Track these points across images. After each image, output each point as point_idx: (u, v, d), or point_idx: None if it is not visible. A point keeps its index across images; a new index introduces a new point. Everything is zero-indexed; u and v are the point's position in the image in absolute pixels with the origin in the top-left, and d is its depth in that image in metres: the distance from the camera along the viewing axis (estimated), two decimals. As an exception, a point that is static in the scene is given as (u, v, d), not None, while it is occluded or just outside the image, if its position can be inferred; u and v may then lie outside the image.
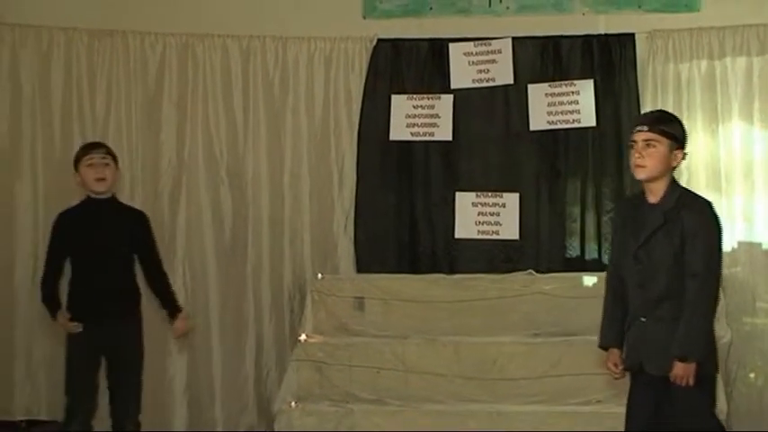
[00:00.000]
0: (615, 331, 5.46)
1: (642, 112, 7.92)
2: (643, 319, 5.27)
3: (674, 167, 5.27)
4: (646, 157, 5.19)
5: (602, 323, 5.59)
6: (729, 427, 7.10)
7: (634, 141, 5.26)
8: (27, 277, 8.23)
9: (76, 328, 6.22)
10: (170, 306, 6.61)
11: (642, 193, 5.35)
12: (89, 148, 6.56)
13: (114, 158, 6.54)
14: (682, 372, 5.07)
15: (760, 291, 7.82)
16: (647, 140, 5.20)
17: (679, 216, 5.17)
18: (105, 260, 6.36)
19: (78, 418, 6.28)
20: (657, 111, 5.59)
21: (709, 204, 5.29)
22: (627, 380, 6.94)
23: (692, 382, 5.08)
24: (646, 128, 5.24)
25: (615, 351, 5.47)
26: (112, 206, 6.55)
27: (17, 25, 8.36)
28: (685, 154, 5.30)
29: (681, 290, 5.13)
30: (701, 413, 5.26)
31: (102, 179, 6.39)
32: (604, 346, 5.55)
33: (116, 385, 6.38)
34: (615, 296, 5.49)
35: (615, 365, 5.46)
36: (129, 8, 8.50)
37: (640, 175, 5.26)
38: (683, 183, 7.75)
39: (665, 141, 5.20)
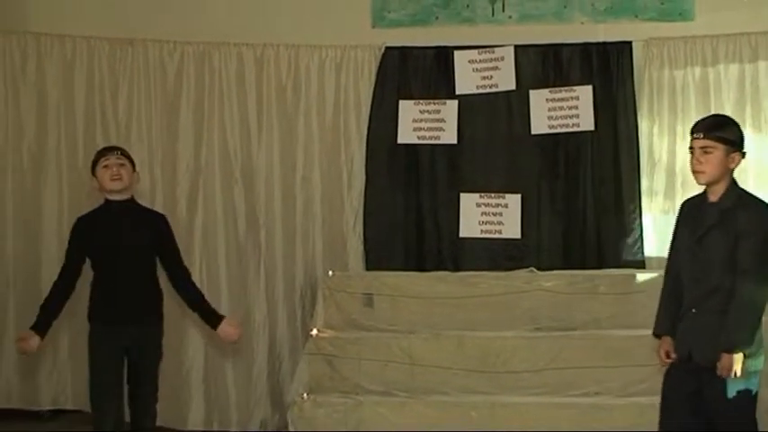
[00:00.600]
0: (669, 321, 5.49)
1: (638, 116, 8.05)
2: (694, 311, 5.31)
3: (733, 169, 5.28)
4: (704, 163, 5.24)
5: (658, 313, 5.64)
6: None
7: (692, 148, 5.32)
8: (52, 275, 8.06)
9: (22, 350, 6.07)
10: (210, 317, 6.32)
11: (704, 193, 5.41)
12: (104, 150, 6.34)
13: (131, 160, 6.30)
14: (727, 363, 5.10)
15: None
16: (703, 147, 5.24)
17: (735, 215, 5.23)
18: (126, 262, 6.10)
19: (109, 418, 6.05)
20: (712, 116, 5.58)
21: (765, 205, 5.33)
22: (628, 373, 7.14)
23: (738, 373, 5.10)
24: (701, 135, 5.28)
25: (668, 339, 5.49)
26: (131, 208, 6.27)
27: (42, 34, 8.43)
28: (744, 153, 5.31)
29: (732, 285, 5.18)
30: (742, 409, 5.29)
31: (118, 177, 6.12)
32: (658, 333, 5.59)
33: (136, 384, 6.20)
34: (671, 288, 5.54)
35: (666, 353, 5.47)
36: (149, 18, 8.55)
37: (700, 180, 5.32)
38: (678, 186, 7.96)
39: (721, 147, 5.22)
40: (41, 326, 6.06)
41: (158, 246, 6.27)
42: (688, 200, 5.69)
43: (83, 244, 6.17)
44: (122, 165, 6.16)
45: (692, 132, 5.37)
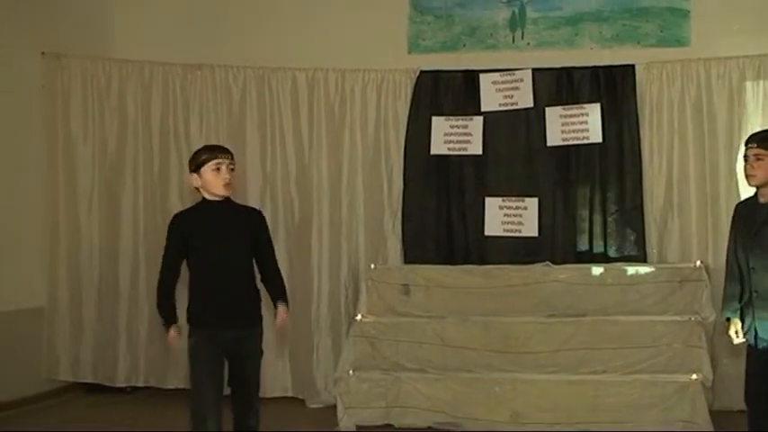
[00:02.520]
0: (733, 306, 5.59)
1: (640, 130, 8.01)
2: (755, 294, 5.43)
3: None
4: (756, 168, 5.37)
5: (723, 300, 5.73)
6: (715, 393, 7.22)
7: (746, 156, 5.44)
8: (128, 267, 8.47)
9: (175, 348, 5.33)
10: (277, 293, 5.50)
11: (755, 195, 5.50)
12: (216, 150, 5.43)
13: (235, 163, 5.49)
14: None
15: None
16: (756, 155, 5.37)
17: None
18: (227, 262, 5.27)
19: (210, 422, 5.17)
20: (764, 130, 5.65)
21: None
22: (631, 353, 7.14)
23: None
24: (755, 144, 5.41)
25: (736, 321, 5.59)
26: (229, 206, 5.40)
27: (124, 60, 8.57)
28: None
29: None
30: None
31: (229, 185, 5.34)
32: (726, 317, 5.68)
33: (239, 385, 5.36)
34: (732, 278, 5.63)
35: (736, 333, 5.57)
36: (216, 46, 8.64)
37: (751, 182, 5.46)
38: (675, 192, 7.93)
39: None
40: (172, 318, 5.28)
41: (256, 241, 5.45)
42: (741, 202, 5.78)
43: (182, 241, 5.30)
44: (233, 170, 5.40)
45: (747, 143, 5.50)
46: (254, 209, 5.78)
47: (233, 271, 5.30)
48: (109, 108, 8.49)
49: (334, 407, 7.42)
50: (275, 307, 5.51)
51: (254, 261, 5.48)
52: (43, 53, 8.32)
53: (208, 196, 5.36)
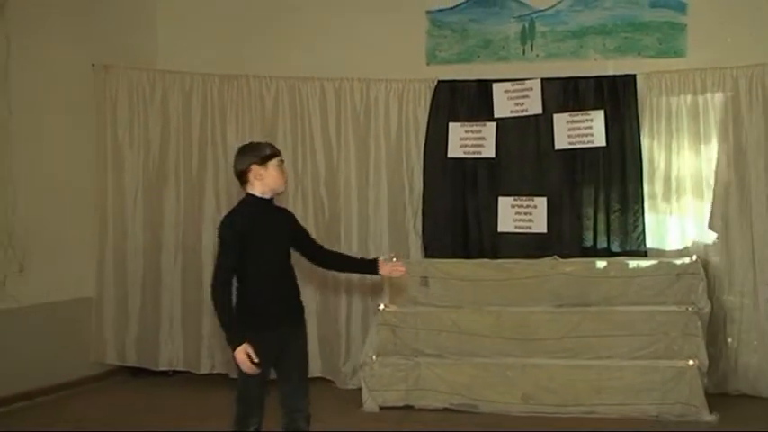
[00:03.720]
0: None
1: (641, 135, 7.97)
2: None
3: None
4: None
5: None
6: (710, 378, 7.25)
7: None
8: (169, 260, 8.52)
9: (254, 370, 4.64)
10: (367, 266, 5.22)
11: None
12: (274, 149, 5.00)
13: None
14: None
15: (733, 273, 7.72)
16: None
17: None
18: (279, 260, 4.89)
19: (256, 424, 4.82)
20: None
21: None
22: (633, 341, 7.16)
23: None
24: None
25: None
26: (274, 207, 4.99)
27: (166, 71, 8.63)
28: None
29: None
30: None
31: (286, 183, 5.01)
32: None
33: (287, 384, 4.93)
34: None
35: None
36: (251, 58, 8.66)
37: None
38: (673, 192, 7.92)
39: None
40: (242, 334, 4.67)
41: (296, 237, 5.04)
42: None
43: (239, 241, 4.77)
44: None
45: None
46: (286, 209, 5.32)
47: (284, 269, 4.92)
48: (153, 115, 8.54)
49: (359, 389, 7.46)
50: (375, 266, 5.12)
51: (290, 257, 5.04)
52: (93, 65, 8.39)
53: (259, 193, 4.87)
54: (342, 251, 5.63)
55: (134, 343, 8.52)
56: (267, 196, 4.91)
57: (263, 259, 4.82)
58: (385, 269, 5.11)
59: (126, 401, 7.86)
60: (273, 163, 4.89)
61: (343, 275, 8.20)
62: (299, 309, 5.01)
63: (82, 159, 8.32)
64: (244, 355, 4.63)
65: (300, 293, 5.03)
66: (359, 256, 5.62)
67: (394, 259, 5.40)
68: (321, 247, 5.18)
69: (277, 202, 5.02)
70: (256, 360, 4.62)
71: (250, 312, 4.79)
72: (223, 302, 4.71)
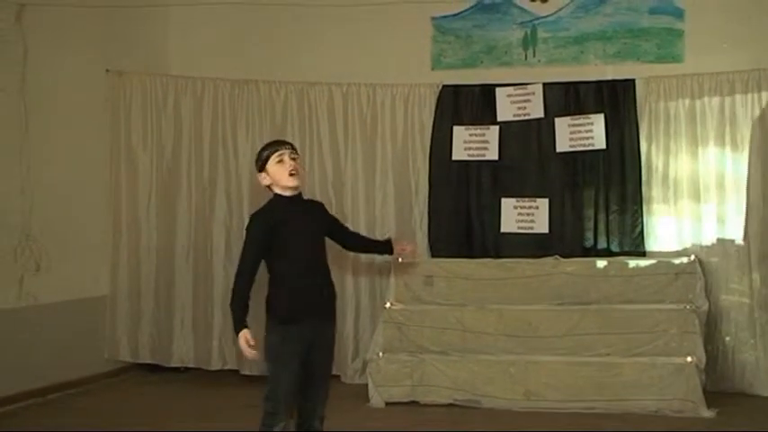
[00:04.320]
0: None
1: (640, 138, 7.95)
2: None
3: None
4: None
5: None
6: (708, 375, 7.22)
7: None
8: (182, 260, 8.50)
9: (254, 356, 4.70)
10: (384, 246, 5.89)
11: None
12: (275, 144, 4.94)
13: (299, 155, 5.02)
14: None
15: (730, 273, 7.70)
16: None
17: None
18: (309, 255, 4.83)
19: (283, 422, 4.73)
20: None
21: None
22: (632, 338, 7.14)
23: None
24: None
25: None
26: (302, 201, 4.96)
27: (179, 77, 8.62)
28: None
29: None
30: None
31: (295, 172, 4.83)
32: None
33: (309, 384, 4.83)
34: None
35: None
36: (261, 63, 8.65)
37: None
38: (671, 193, 7.89)
39: None
40: (245, 324, 4.70)
41: (329, 228, 5.12)
42: None
43: (264, 239, 4.78)
44: (295, 159, 4.90)
45: None
46: (316, 201, 5.41)
47: (315, 264, 4.87)
48: (165, 119, 8.53)
49: (366, 385, 7.46)
50: (390, 247, 5.91)
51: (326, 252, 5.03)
52: (107, 70, 8.40)
53: (279, 191, 4.87)
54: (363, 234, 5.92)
55: (147, 340, 8.52)
56: (287, 193, 4.86)
57: (288, 254, 4.77)
58: (397, 249, 5.83)
59: (138, 398, 7.87)
60: (271, 162, 4.83)
61: (350, 273, 8.29)
62: (330, 303, 4.94)
63: (96, 162, 8.33)
64: (243, 341, 4.63)
65: (335, 292, 4.99)
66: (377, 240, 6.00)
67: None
68: (352, 232, 5.56)
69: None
70: (252, 344, 4.63)
71: (276, 305, 4.79)
72: (235, 291, 4.75)
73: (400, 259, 7.52)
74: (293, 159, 4.85)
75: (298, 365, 4.72)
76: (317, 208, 5.11)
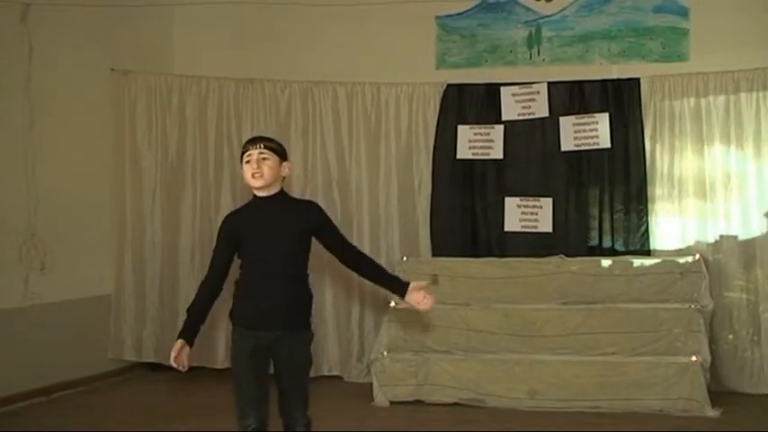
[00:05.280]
0: None
1: (644, 137, 7.96)
2: None
3: None
4: None
5: None
6: (712, 374, 7.22)
7: None
8: (187, 260, 8.52)
9: (180, 367, 4.42)
10: (397, 286, 4.61)
11: None
12: (247, 143, 4.59)
13: (278, 152, 4.52)
14: None
15: (735, 272, 7.72)
16: None
17: None
18: (272, 259, 4.44)
19: (250, 420, 4.45)
20: None
21: None
22: (637, 337, 7.14)
23: None
24: None
25: None
26: (280, 201, 4.55)
27: (183, 76, 8.63)
28: None
29: None
30: None
31: (259, 174, 4.44)
32: None
33: (279, 389, 4.54)
34: None
35: None
36: (265, 62, 8.65)
37: None
38: (676, 192, 7.89)
39: None
40: (188, 334, 4.46)
41: (315, 233, 4.55)
42: None
43: (230, 241, 4.52)
44: (265, 159, 4.46)
45: None
46: (309, 201, 4.90)
47: (279, 268, 4.46)
48: (170, 118, 8.55)
49: (371, 384, 7.45)
50: (404, 289, 4.55)
51: (309, 257, 4.59)
52: (112, 70, 8.41)
53: (255, 192, 4.55)
54: (377, 261, 4.79)
55: (151, 340, 8.53)
56: (261, 194, 4.52)
57: (250, 256, 4.49)
58: (412, 298, 4.52)
59: (144, 396, 7.89)
60: (244, 161, 4.53)
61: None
62: (296, 313, 4.53)
63: (101, 161, 8.34)
64: (176, 349, 4.41)
65: (306, 298, 4.57)
66: (391, 272, 4.88)
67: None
68: (352, 247, 4.71)
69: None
70: (178, 363, 4.39)
71: (234, 306, 4.57)
72: (194, 299, 4.56)
73: (393, 303, 7.41)
74: (263, 159, 4.47)
75: (253, 372, 4.46)
76: (303, 209, 4.63)
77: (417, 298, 4.52)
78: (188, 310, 4.54)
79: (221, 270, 4.53)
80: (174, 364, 4.43)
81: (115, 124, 8.45)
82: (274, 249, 4.46)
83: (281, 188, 4.57)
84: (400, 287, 4.58)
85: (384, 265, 4.98)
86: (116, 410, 7.33)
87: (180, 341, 4.43)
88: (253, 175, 4.46)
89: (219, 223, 4.66)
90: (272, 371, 4.57)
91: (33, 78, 7.44)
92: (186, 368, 4.45)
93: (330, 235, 4.61)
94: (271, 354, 4.50)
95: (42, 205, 7.49)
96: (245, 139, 8.21)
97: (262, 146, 4.51)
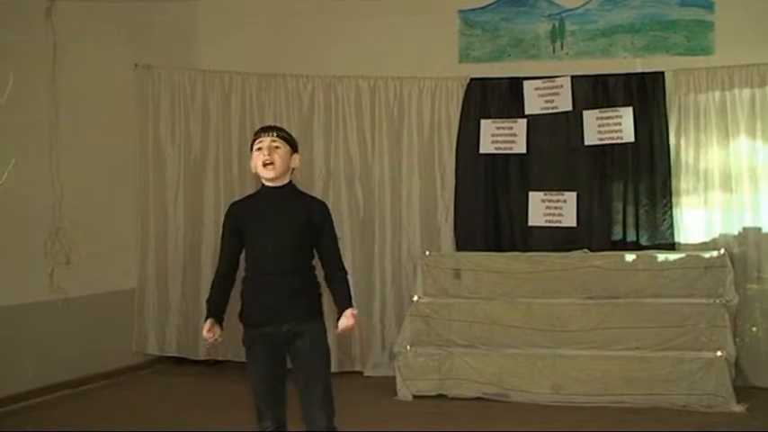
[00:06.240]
0: None
1: (669, 131, 7.93)
2: None
3: None
4: None
5: None
6: (737, 369, 7.20)
7: None
8: (209, 253, 8.46)
9: (209, 342, 4.43)
10: (340, 304, 4.45)
11: None
12: (259, 131, 4.50)
13: (289, 142, 4.46)
14: None
15: (761, 264, 7.68)
16: None
17: None
18: (276, 251, 4.34)
19: (266, 422, 4.40)
20: None
21: None
22: (661, 332, 7.11)
23: None
24: None
25: None
26: (287, 193, 4.45)
27: (207, 71, 8.68)
28: None
29: None
30: None
31: (269, 162, 4.35)
32: None
33: (298, 388, 4.42)
34: None
35: None
36: (287, 57, 8.68)
37: None
38: (701, 186, 7.87)
39: None
40: (213, 316, 4.44)
41: (312, 232, 4.44)
42: None
43: (235, 230, 4.44)
44: (276, 147, 4.39)
45: None
46: (316, 199, 4.69)
47: (279, 261, 4.36)
48: (193, 113, 8.58)
49: (393, 378, 7.44)
50: (338, 314, 4.46)
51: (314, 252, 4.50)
52: (136, 65, 8.46)
53: (264, 181, 4.45)
54: (339, 288, 4.51)
55: (174, 334, 8.56)
56: (270, 184, 4.43)
57: (256, 250, 4.40)
58: (341, 321, 4.43)
59: (169, 389, 7.92)
60: (254, 149, 4.45)
61: (377, 267, 8.35)
62: (301, 304, 4.40)
63: (125, 156, 8.39)
64: (205, 329, 4.40)
65: (310, 287, 4.45)
66: (342, 298, 4.50)
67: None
68: (334, 270, 4.51)
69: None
70: (209, 336, 4.36)
71: (244, 305, 4.45)
72: (210, 288, 4.54)
73: (416, 297, 7.65)
74: (275, 147, 4.39)
75: (265, 371, 4.39)
76: (309, 204, 4.52)
77: (343, 322, 4.41)
78: (206, 302, 4.51)
79: (231, 260, 4.48)
80: (206, 337, 4.37)
81: (139, 119, 8.50)
82: (277, 241, 4.36)
83: (290, 180, 4.49)
84: (343, 307, 4.44)
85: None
86: (140, 403, 7.37)
87: (209, 320, 4.40)
88: (263, 164, 4.38)
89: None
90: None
91: (58, 74, 7.48)
92: (219, 339, 4.42)
93: (326, 240, 4.48)
94: (286, 351, 4.43)
95: (67, 200, 7.53)
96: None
97: (274, 134, 4.44)
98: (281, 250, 4.37)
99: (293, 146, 4.49)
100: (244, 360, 8.19)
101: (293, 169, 4.49)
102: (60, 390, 7.49)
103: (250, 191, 8.32)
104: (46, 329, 7.36)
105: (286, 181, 4.45)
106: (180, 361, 8.62)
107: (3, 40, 6.93)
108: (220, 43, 8.94)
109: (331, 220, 4.54)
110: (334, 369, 7.32)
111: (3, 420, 6.70)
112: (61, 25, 7.49)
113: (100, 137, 7.99)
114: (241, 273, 4.51)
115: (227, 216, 4.52)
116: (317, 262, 4.53)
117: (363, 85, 8.48)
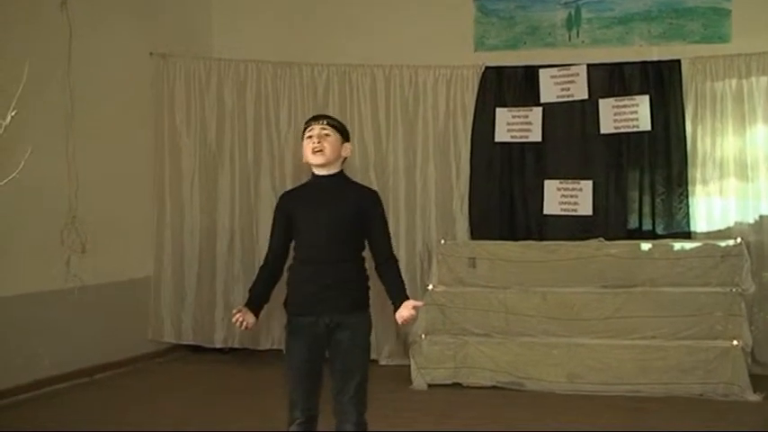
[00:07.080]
0: None
1: (685, 119, 7.90)
2: None
3: None
4: None
5: None
6: (753, 356, 7.21)
7: None
8: (225, 241, 8.55)
9: (240, 325, 4.28)
10: (395, 295, 4.40)
11: None
12: (310, 120, 4.44)
13: (340, 130, 4.39)
14: None
15: (776, 253, 7.66)
16: None
17: None
18: (325, 243, 4.27)
19: (297, 412, 4.30)
20: None
21: None
22: (677, 321, 7.08)
23: None
24: None
25: None
26: (338, 183, 4.38)
27: (222, 59, 8.67)
28: None
29: None
30: None
31: (319, 150, 4.28)
32: None
33: (333, 380, 4.33)
34: None
35: None
36: (303, 45, 8.70)
37: None
38: (717, 174, 7.84)
39: None
40: (251, 305, 4.35)
41: (363, 222, 4.36)
42: None
43: (284, 219, 4.38)
44: (327, 135, 4.33)
45: None
46: (368, 188, 4.64)
47: (327, 251, 4.29)
48: (209, 101, 8.58)
49: (408, 367, 7.44)
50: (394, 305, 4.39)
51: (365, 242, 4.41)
52: (151, 54, 8.47)
53: (314, 170, 4.39)
54: (393, 279, 4.43)
55: (190, 322, 8.58)
56: (320, 172, 4.37)
57: (301, 239, 4.34)
58: (400, 314, 4.38)
59: (186, 377, 7.95)
60: (305, 137, 4.38)
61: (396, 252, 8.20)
62: (346, 295, 4.31)
63: (141, 144, 8.39)
64: (240, 312, 4.30)
65: (357, 280, 4.37)
66: (397, 289, 4.45)
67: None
68: (385, 259, 4.42)
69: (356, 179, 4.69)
70: (237, 318, 4.27)
71: (288, 293, 4.39)
72: (255, 277, 4.46)
73: (431, 286, 7.62)
74: (326, 135, 4.33)
75: (303, 361, 4.30)
76: (361, 193, 4.46)
77: (403, 313, 4.36)
78: (249, 290, 4.43)
79: (279, 251, 4.43)
80: (236, 318, 4.27)
81: (154, 108, 8.51)
82: (326, 230, 4.29)
83: (341, 170, 4.41)
84: (399, 300, 4.39)
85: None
86: (156, 391, 7.39)
87: (244, 307, 4.33)
88: (313, 151, 4.31)
89: (258, 206, 4.53)
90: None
91: (73, 63, 7.48)
92: (248, 327, 4.33)
93: (377, 229, 4.40)
94: (326, 343, 4.32)
95: (83, 188, 7.54)
96: (282, 123, 8.41)
97: (325, 122, 4.38)
98: (331, 240, 4.29)
99: (344, 134, 4.43)
100: (259, 348, 8.40)
101: (345, 158, 4.43)
102: (76, 378, 7.52)
103: (264, 179, 8.51)
104: (62, 318, 7.38)
105: (337, 170, 4.39)
106: (196, 349, 8.65)
107: (19, 31, 6.95)
108: (235, 32, 8.94)
109: (382, 210, 4.47)
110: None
111: (19, 408, 6.74)
112: (76, 15, 7.49)
113: (115, 126, 8.00)
114: (290, 261, 4.45)
115: (277, 205, 4.49)
116: (366, 253, 4.43)
117: (378, 73, 8.47)
